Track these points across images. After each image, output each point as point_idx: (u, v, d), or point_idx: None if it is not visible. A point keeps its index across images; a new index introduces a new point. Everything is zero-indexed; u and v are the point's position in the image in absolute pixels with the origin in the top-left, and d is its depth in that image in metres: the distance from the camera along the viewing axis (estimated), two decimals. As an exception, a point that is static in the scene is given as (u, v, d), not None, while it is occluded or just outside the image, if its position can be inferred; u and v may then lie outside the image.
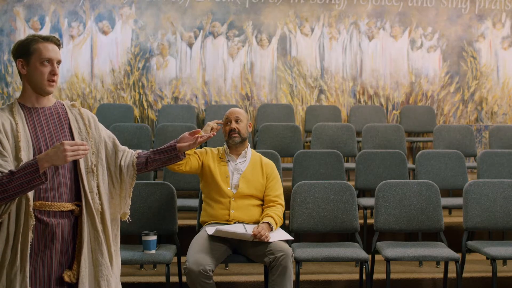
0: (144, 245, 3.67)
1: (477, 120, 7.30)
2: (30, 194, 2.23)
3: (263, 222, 3.55)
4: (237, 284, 4.10)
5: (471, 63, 7.29)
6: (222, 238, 3.47)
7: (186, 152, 3.67)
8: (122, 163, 2.51)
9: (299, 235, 4.46)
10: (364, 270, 3.86)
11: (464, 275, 4.08)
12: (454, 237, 4.50)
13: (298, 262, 3.70)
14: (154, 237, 3.68)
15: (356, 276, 4.13)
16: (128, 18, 6.97)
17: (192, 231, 4.12)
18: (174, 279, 3.86)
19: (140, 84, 6.98)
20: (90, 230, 2.37)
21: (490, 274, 3.99)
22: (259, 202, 3.75)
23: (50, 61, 2.35)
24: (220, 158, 3.79)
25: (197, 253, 3.35)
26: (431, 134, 6.66)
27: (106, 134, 2.54)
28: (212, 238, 3.48)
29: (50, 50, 2.35)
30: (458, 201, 4.67)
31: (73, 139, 2.38)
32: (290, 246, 3.57)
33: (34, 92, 2.37)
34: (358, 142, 6.20)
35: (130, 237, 4.25)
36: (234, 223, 3.64)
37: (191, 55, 7.04)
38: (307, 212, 4.04)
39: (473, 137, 6.13)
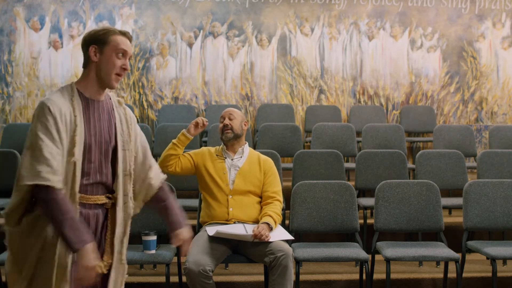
0: (144, 245, 3.67)
1: (477, 120, 7.30)
2: (77, 187, 2.22)
3: (262, 223, 3.55)
4: (237, 284, 4.10)
5: (471, 63, 7.29)
6: (222, 238, 3.47)
7: (173, 153, 3.75)
8: (147, 182, 2.48)
9: (299, 235, 4.46)
10: (364, 270, 3.86)
11: (464, 275, 4.08)
12: (454, 237, 4.50)
13: (298, 262, 3.70)
14: (154, 237, 3.68)
15: (356, 276, 4.13)
16: (128, 18, 6.97)
17: (192, 231, 4.11)
18: (174, 279, 3.85)
19: (140, 84, 6.98)
20: (119, 227, 2.37)
21: (490, 274, 3.99)
22: (258, 200, 3.75)
23: (124, 54, 2.32)
24: (216, 155, 3.79)
25: (197, 254, 3.35)
26: (431, 134, 6.66)
27: (140, 140, 2.48)
28: (212, 238, 3.48)
29: (126, 43, 2.32)
30: (458, 201, 4.66)
31: (116, 140, 2.35)
32: (290, 246, 3.57)
33: (98, 83, 2.31)
34: (358, 142, 6.20)
35: (130, 237, 4.24)
36: (234, 222, 3.64)
37: (191, 55, 7.04)
38: (307, 212, 4.04)
39: (473, 137, 6.13)
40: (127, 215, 2.40)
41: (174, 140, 3.79)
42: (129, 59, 2.36)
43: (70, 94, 2.27)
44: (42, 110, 2.17)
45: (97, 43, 2.30)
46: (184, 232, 2.55)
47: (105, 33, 2.31)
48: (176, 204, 2.58)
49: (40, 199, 2.14)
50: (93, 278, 2.18)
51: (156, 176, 2.54)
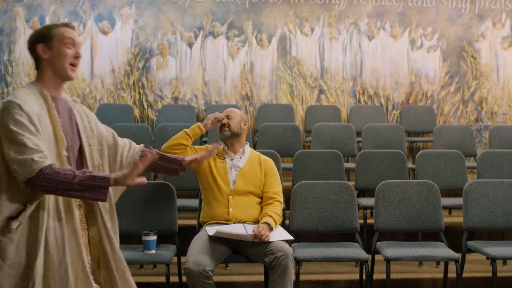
0: (144, 245, 3.67)
1: (477, 120, 7.30)
2: None
3: (262, 223, 3.55)
4: (237, 284, 4.10)
5: (471, 63, 7.29)
6: (222, 238, 3.47)
7: (183, 143, 3.72)
8: (124, 160, 2.49)
9: (299, 235, 4.46)
10: (364, 270, 3.86)
11: (464, 275, 4.08)
12: (454, 237, 4.50)
13: (298, 262, 3.70)
14: (154, 237, 3.68)
15: (356, 276, 4.13)
16: (128, 18, 6.97)
17: (192, 231, 4.12)
18: (174, 279, 3.85)
19: (140, 84, 6.98)
20: (100, 225, 2.35)
21: (490, 274, 3.99)
22: (258, 200, 3.75)
23: (73, 42, 2.30)
24: (216, 155, 3.79)
25: (197, 254, 3.35)
26: (431, 134, 6.66)
27: (105, 129, 2.51)
28: (212, 238, 3.48)
29: (71, 32, 2.32)
30: (458, 201, 4.66)
31: (79, 136, 2.35)
32: (290, 246, 3.57)
33: (55, 79, 2.30)
34: (358, 142, 6.20)
35: (130, 237, 4.25)
36: (234, 222, 3.64)
37: (191, 55, 7.04)
38: (307, 212, 4.04)
39: (473, 137, 6.13)
40: (105, 209, 2.38)
41: (187, 130, 3.74)
42: (79, 47, 2.34)
43: (35, 92, 2.25)
44: (13, 109, 2.12)
45: (43, 40, 2.29)
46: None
47: (48, 28, 2.30)
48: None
49: (41, 184, 2.09)
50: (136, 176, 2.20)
51: (132, 154, 2.55)
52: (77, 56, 2.31)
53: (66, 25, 2.33)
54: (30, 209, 2.13)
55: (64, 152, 2.20)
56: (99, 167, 2.39)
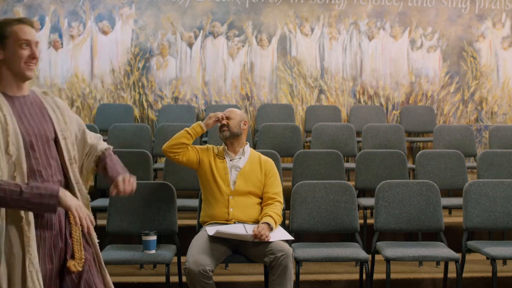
0: (144, 245, 3.67)
1: (477, 120, 7.30)
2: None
3: (262, 223, 3.55)
4: (237, 284, 4.10)
5: (471, 63, 7.29)
6: (222, 238, 3.47)
7: (185, 142, 3.71)
8: (86, 160, 2.44)
9: (299, 235, 4.46)
10: (364, 270, 3.86)
11: (464, 275, 4.08)
12: (454, 237, 4.50)
13: (298, 262, 3.70)
14: (154, 237, 3.68)
15: (356, 276, 4.13)
16: (128, 18, 6.97)
17: (192, 231, 4.12)
18: (174, 279, 3.86)
19: (140, 84, 6.98)
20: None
21: (490, 274, 3.99)
22: (258, 200, 3.75)
23: (28, 43, 2.23)
24: (216, 155, 3.79)
25: (197, 254, 3.35)
26: (431, 134, 6.66)
27: (77, 123, 2.43)
28: (212, 238, 3.48)
29: (27, 32, 2.23)
30: (458, 201, 4.66)
31: (54, 129, 2.29)
32: (290, 246, 3.57)
33: (13, 78, 2.23)
34: (358, 142, 6.20)
35: (130, 237, 4.25)
36: (234, 222, 3.64)
37: (191, 55, 7.04)
38: (307, 212, 4.04)
39: (473, 137, 6.13)
40: (86, 200, 2.36)
41: (188, 129, 3.74)
42: (36, 46, 2.27)
43: None
44: None
45: None
46: (120, 177, 2.37)
47: (1, 26, 2.22)
48: (112, 160, 2.47)
49: None
50: (86, 212, 2.16)
51: (99, 144, 2.49)
52: (33, 57, 2.24)
53: (21, 21, 2.25)
54: None
55: (13, 158, 2.13)
56: (75, 160, 2.34)
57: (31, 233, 2.14)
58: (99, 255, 2.39)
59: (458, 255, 3.78)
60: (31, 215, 2.16)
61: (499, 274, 4.00)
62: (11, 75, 2.23)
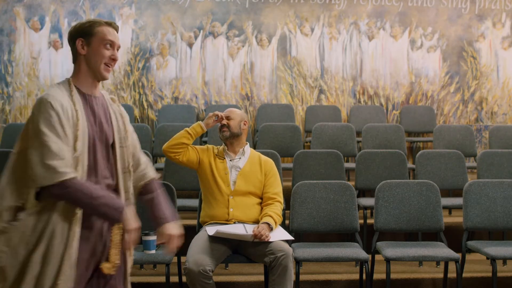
0: (144, 245, 3.67)
1: (477, 120, 7.30)
2: None
3: (262, 223, 3.55)
4: (237, 284, 4.10)
5: (471, 63, 7.29)
6: (222, 238, 3.47)
7: (185, 142, 3.71)
8: (139, 174, 2.47)
9: (299, 235, 4.46)
10: (364, 270, 3.86)
11: (464, 275, 4.08)
12: (454, 237, 4.50)
13: (298, 262, 3.70)
14: (154, 237, 3.67)
15: (356, 276, 4.13)
16: (128, 18, 6.97)
17: (192, 231, 4.12)
18: (174, 279, 3.86)
19: (140, 84, 6.98)
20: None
21: (490, 274, 3.99)
22: (258, 201, 3.74)
23: (112, 44, 2.28)
24: (216, 155, 3.79)
25: (197, 254, 3.35)
26: (431, 134, 6.67)
27: (134, 139, 2.46)
28: (212, 238, 3.48)
29: (113, 34, 2.29)
30: (458, 201, 4.67)
31: (113, 136, 2.33)
32: (290, 246, 3.57)
33: (90, 76, 2.28)
34: (358, 142, 6.20)
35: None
36: (234, 222, 3.64)
37: (191, 55, 7.04)
38: (307, 212, 4.04)
39: (473, 137, 6.14)
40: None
41: (188, 129, 3.74)
42: (117, 50, 2.32)
43: (69, 90, 2.23)
44: (44, 106, 2.12)
45: (83, 35, 2.27)
46: (171, 227, 2.42)
47: (91, 25, 2.28)
48: (164, 198, 2.51)
49: (59, 194, 2.10)
50: (137, 239, 2.24)
51: (149, 169, 2.51)
52: (113, 58, 2.29)
53: (109, 24, 2.31)
54: (38, 205, 2.13)
55: (77, 153, 2.17)
56: (130, 170, 2.38)
57: (77, 229, 2.17)
58: (128, 267, 2.42)
59: (458, 255, 3.78)
60: (81, 212, 2.18)
61: (499, 274, 4.00)
62: (89, 72, 2.28)
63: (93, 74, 2.28)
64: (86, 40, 2.27)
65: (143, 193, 2.50)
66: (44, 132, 2.09)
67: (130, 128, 2.44)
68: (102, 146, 2.28)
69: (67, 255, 2.14)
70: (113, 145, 2.33)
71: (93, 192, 2.13)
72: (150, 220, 2.47)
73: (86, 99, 2.27)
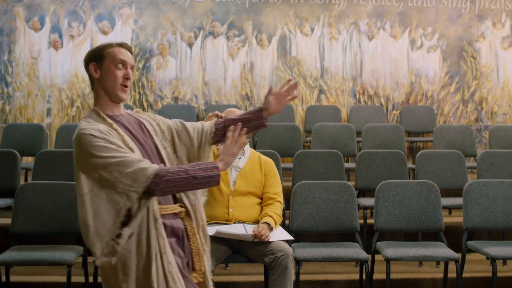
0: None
1: (477, 120, 7.30)
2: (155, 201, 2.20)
3: (262, 223, 3.55)
4: (237, 284, 4.10)
5: (471, 63, 7.29)
6: (222, 238, 3.47)
7: None
8: (203, 142, 2.50)
9: (299, 235, 4.46)
10: (364, 270, 3.86)
11: (464, 275, 4.08)
12: (454, 237, 4.50)
13: (298, 262, 3.70)
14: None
15: (356, 276, 4.13)
16: (128, 18, 6.97)
17: (192, 231, 4.12)
18: (174, 279, 3.85)
19: (140, 84, 6.98)
20: (197, 229, 2.37)
21: (490, 274, 3.99)
22: (258, 201, 3.74)
23: (124, 64, 2.29)
24: (216, 155, 3.78)
25: (197, 253, 3.35)
26: (431, 134, 6.67)
27: (173, 122, 2.48)
28: (212, 238, 3.46)
29: (124, 53, 2.30)
30: (458, 201, 4.66)
31: (154, 141, 2.35)
32: (290, 246, 3.57)
33: (109, 98, 2.30)
34: (358, 142, 6.20)
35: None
36: (234, 223, 3.64)
37: (191, 55, 7.04)
38: (307, 212, 4.04)
39: (473, 137, 6.14)
40: (193, 206, 2.38)
41: None
42: (131, 69, 2.33)
43: (98, 116, 2.26)
44: (84, 139, 2.13)
45: (95, 60, 2.30)
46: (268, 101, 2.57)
47: (101, 48, 2.30)
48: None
49: (161, 187, 2.13)
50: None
51: (204, 124, 2.53)
52: (127, 77, 2.29)
53: (120, 45, 2.32)
54: (138, 218, 2.14)
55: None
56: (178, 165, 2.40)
57: (165, 234, 2.19)
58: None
59: (458, 255, 3.78)
60: (161, 219, 2.20)
61: (499, 274, 4.00)
62: (106, 95, 2.30)
63: (110, 96, 2.30)
64: (98, 63, 2.29)
65: (223, 133, 2.53)
66: (106, 155, 2.11)
67: (164, 121, 2.46)
68: (151, 158, 2.29)
69: (166, 261, 2.17)
70: (157, 150, 2.36)
71: (182, 167, 2.19)
72: (254, 120, 2.57)
73: (116, 120, 2.29)
